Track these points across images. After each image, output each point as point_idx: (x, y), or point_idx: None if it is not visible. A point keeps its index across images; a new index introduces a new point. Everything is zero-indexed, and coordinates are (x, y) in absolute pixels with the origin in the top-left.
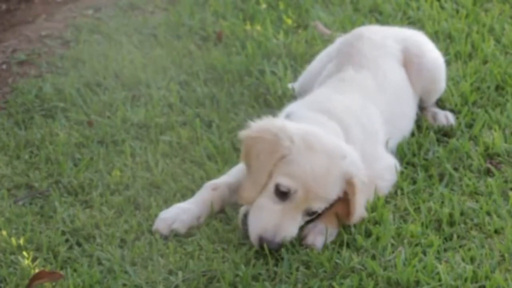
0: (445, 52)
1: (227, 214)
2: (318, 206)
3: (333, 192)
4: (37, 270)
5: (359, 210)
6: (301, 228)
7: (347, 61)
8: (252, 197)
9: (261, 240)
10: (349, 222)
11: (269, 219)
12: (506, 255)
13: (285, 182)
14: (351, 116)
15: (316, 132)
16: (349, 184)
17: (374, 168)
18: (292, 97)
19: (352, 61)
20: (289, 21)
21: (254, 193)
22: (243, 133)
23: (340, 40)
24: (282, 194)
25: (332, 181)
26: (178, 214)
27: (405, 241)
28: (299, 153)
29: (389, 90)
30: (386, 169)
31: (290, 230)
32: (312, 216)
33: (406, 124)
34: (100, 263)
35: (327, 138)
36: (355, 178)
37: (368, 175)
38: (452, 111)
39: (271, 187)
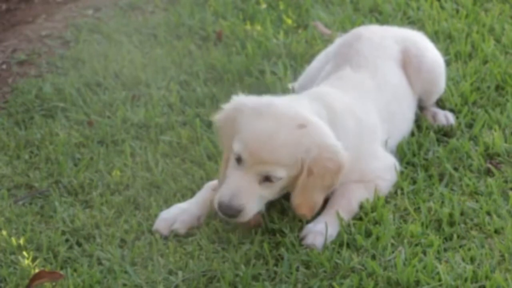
0: (445, 52)
1: None
2: (268, 170)
3: (283, 157)
4: (37, 270)
5: (302, 196)
6: (301, 228)
7: (345, 62)
8: (221, 173)
9: (220, 206)
10: (295, 210)
11: (226, 185)
12: (506, 255)
13: (235, 147)
14: (345, 107)
15: (275, 101)
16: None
17: (374, 167)
18: None
19: (350, 61)
20: (289, 21)
21: (222, 169)
22: (214, 118)
23: (339, 41)
24: (238, 160)
25: (279, 146)
26: (178, 214)
27: (405, 241)
28: (247, 120)
29: (387, 90)
30: (386, 169)
31: (247, 196)
32: (273, 183)
33: (405, 124)
34: (100, 263)
35: (287, 107)
36: (307, 154)
37: (342, 161)
38: (452, 111)
39: (233, 157)
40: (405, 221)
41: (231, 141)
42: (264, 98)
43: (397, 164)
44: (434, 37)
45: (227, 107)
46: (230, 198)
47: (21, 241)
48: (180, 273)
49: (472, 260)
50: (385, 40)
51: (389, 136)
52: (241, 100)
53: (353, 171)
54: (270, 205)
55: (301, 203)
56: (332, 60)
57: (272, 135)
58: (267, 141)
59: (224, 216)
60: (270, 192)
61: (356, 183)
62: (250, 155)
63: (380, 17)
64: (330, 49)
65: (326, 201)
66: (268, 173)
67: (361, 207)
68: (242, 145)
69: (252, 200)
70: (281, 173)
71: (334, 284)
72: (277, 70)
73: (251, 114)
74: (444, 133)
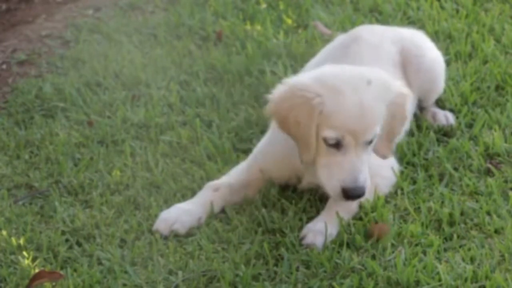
0: (445, 52)
1: (227, 214)
2: (371, 136)
3: (377, 118)
4: (37, 270)
5: (387, 140)
6: (301, 228)
7: (341, 62)
8: (312, 157)
9: (345, 192)
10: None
11: (340, 170)
12: (506, 255)
13: (330, 134)
14: None
15: (331, 70)
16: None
17: (371, 164)
18: None
19: (346, 61)
20: (289, 21)
21: (312, 153)
22: (268, 108)
23: (339, 40)
24: (335, 145)
25: (369, 110)
26: (178, 214)
27: (405, 241)
28: (331, 102)
29: None
30: (384, 167)
31: (363, 169)
32: (372, 144)
33: None
34: (100, 263)
35: (345, 70)
36: (386, 103)
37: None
38: (452, 111)
39: (322, 144)
40: (405, 221)
41: (314, 129)
42: (318, 72)
43: (396, 164)
44: (434, 37)
45: (285, 95)
46: (354, 181)
47: (21, 241)
48: (180, 273)
49: (472, 260)
50: (383, 42)
51: None
52: (303, 82)
53: None
54: (270, 205)
55: (382, 145)
56: (330, 61)
57: (361, 107)
58: (361, 114)
59: (349, 199)
60: (369, 154)
61: None
62: (352, 134)
63: (380, 17)
64: (330, 47)
65: (326, 201)
66: (370, 138)
67: (361, 207)
68: (339, 131)
69: (365, 170)
70: (378, 129)
71: (334, 284)
72: (277, 70)
73: (332, 94)
74: (444, 133)
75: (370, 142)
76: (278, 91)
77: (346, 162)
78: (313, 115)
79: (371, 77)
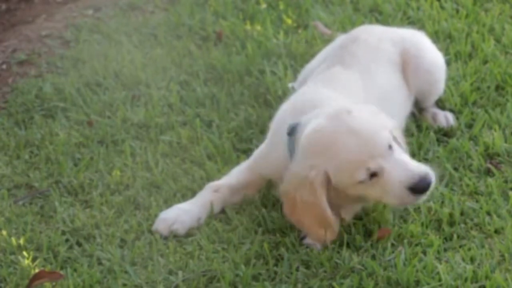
0: (445, 52)
1: (227, 214)
2: (388, 141)
3: (375, 125)
4: (37, 270)
5: None
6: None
7: (338, 62)
8: (336, 230)
9: (413, 190)
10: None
11: (395, 177)
12: (506, 255)
13: (360, 176)
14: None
15: (309, 130)
16: None
17: None
18: None
19: (342, 61)
20: (289, 21)
21: (335, 228)
22: (282, 198)
23: (338, 41)
24: (371, 177)
25: (365, 128)
26: (178, 215)
27: (405, 241)
28: (329, 161)
29: (375, 92)
30: None
31: (409, 162)
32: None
33: None
34: (100, 263)
35: (320, 123)
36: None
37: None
38: (452, 111)
39: (360, 184)
40: (405, 221)
41: (325, 202)
42: (303, 135)
43: None
44: (434, 37)
45: (285, 186)
46: (417, 176)
47: (21, 241)
48: (180, 273)
49: (472, 260)
50: (382, 43)
51: None
52: (292, 167)
53: None
54: (270, 205)
55: None
56: (327, 60)
57: (355, 133)
58: (360, 140)
59: (422, 193)
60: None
61: None
62: (373, 158)
63: (380, 17)
64: (330, 47)
65: None
66: (393, 139)
67: (362, 207)
68: (360, 168)
69: (414, 162)
70: (388, 131)
71: (334, 284)
72: (277, 70)
73: (323, 150)
74: (444, 133)
75: (395, 144)
76: (285, 180)
77: (394, 171)
78: (317, 190)
79: (349, 109)
